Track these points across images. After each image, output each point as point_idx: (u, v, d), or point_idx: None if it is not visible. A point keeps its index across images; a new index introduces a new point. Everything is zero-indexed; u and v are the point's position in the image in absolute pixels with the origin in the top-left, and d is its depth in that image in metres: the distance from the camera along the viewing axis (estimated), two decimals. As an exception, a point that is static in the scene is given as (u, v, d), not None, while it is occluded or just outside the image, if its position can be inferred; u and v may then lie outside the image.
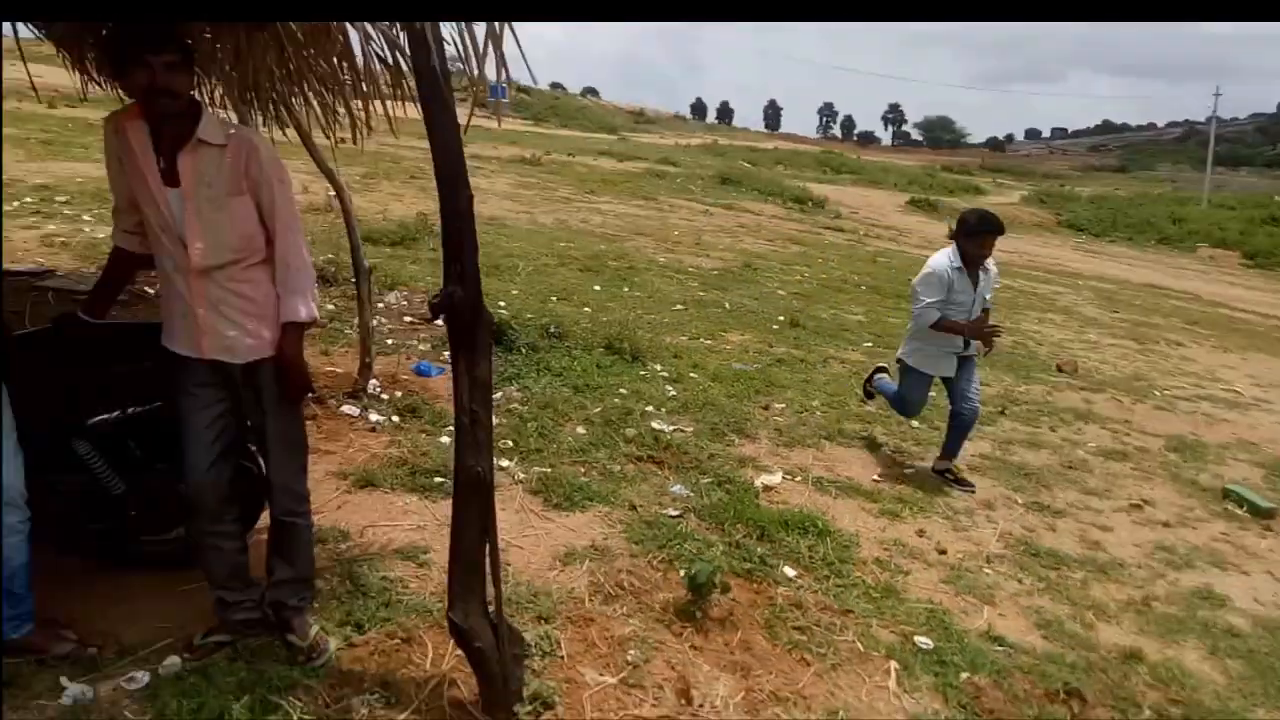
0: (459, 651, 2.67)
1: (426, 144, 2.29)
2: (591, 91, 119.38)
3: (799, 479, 4.92)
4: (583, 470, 4.61)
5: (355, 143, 4.00)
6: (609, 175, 24.16)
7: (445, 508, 3.81)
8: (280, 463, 2.75)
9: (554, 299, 8.43)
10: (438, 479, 4.21)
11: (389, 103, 3.54)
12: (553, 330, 6.69)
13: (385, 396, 5.23)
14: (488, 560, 2.57)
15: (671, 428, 5.35)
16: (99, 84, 4.95)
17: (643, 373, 6.37)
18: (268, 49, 3.43)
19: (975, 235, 4.91)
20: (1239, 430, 7.12)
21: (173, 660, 2.67)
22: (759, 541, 4.03)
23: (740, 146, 52.04)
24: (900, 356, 5.30)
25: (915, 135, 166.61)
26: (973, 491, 5.08)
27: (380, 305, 7.11)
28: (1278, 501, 5.41)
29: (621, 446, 4.97)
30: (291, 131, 4.48)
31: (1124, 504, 5.22)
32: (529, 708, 2.65)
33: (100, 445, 2.94)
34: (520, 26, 2.39)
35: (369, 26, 3.14)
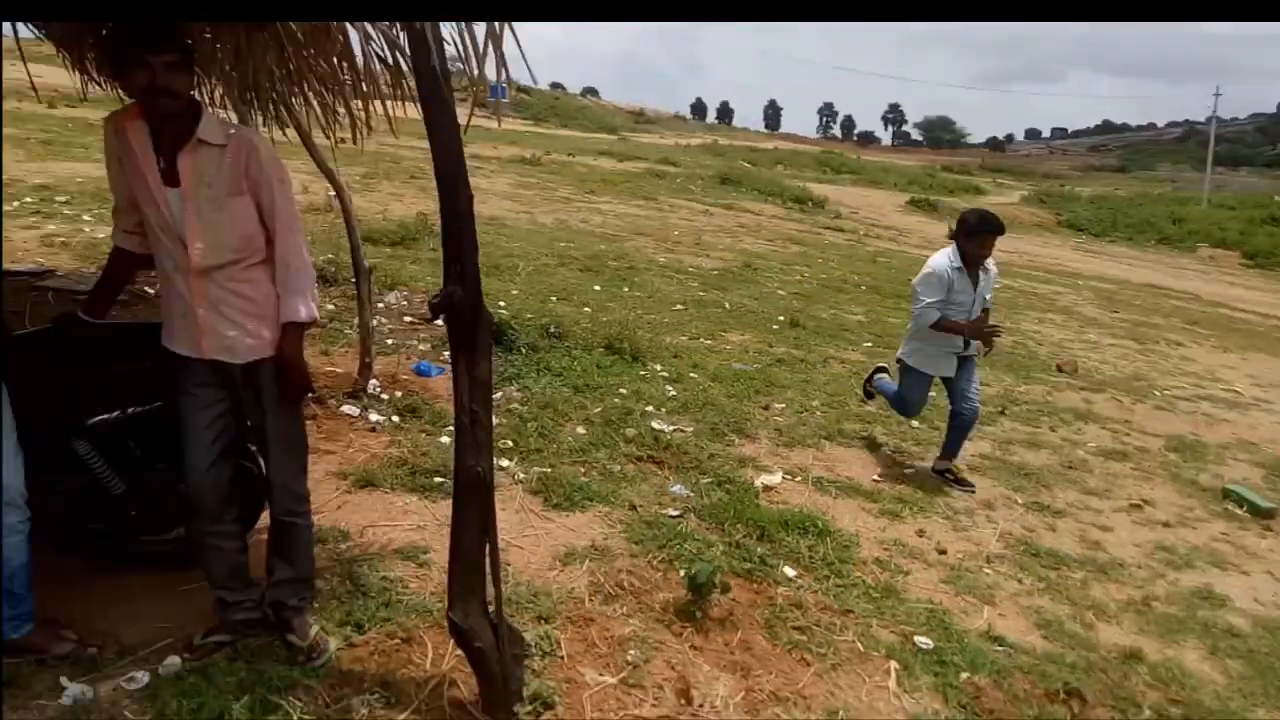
0: (459, 651, 2.67)
1: (426, 144, 2.29)
2: (591, 91, 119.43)
3: (799, 479, 4.92)
4: (583, 470, 4.61)
5: (355, 143, 4.00)
6: (609, 175, 24.16)
7: (445, 508, 3.82)
8: (280, 463, 2.75)
9: (554, 299, 8.43)
10: (438, 479, 4.21)
11: (389, 103, 3.54)
12: (553, 330, 6.69)
13: (385, 396, 5.23)
14: (488, 560, 2.57)
15: (671, 428, 5.35)
16: (99, 84, 4.95)
17: (643, 373, 6.38)
18: (268, 49, 3.43)
19: (975, 235, 4.92)
20: (1239, 430, 7.12)
21: (173, 660, 2.67)
22: (759, 541, 4.03)
23: (740, 146, 52.06)
24: (900, 356, 5.30)
25: (915, 135, 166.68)
26: (973, 491, 5.08)
27: (380, 305, 7.11)
28: (1278, 501, 5.41)
29: (621, 446, 4.97)
30: (291, 131, 4.48)
31: (1124, 504, 5.22)
32: (529, 708, 2.65)
33: (100, 445, 2.94)
34: (520, 26, 2.39)
35: (369, 26, 3.14)
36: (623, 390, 5.89)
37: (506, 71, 2.35)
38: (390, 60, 3.25)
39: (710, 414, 5.70)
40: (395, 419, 4.96)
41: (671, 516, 4.17)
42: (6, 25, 3.12)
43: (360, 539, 3.63)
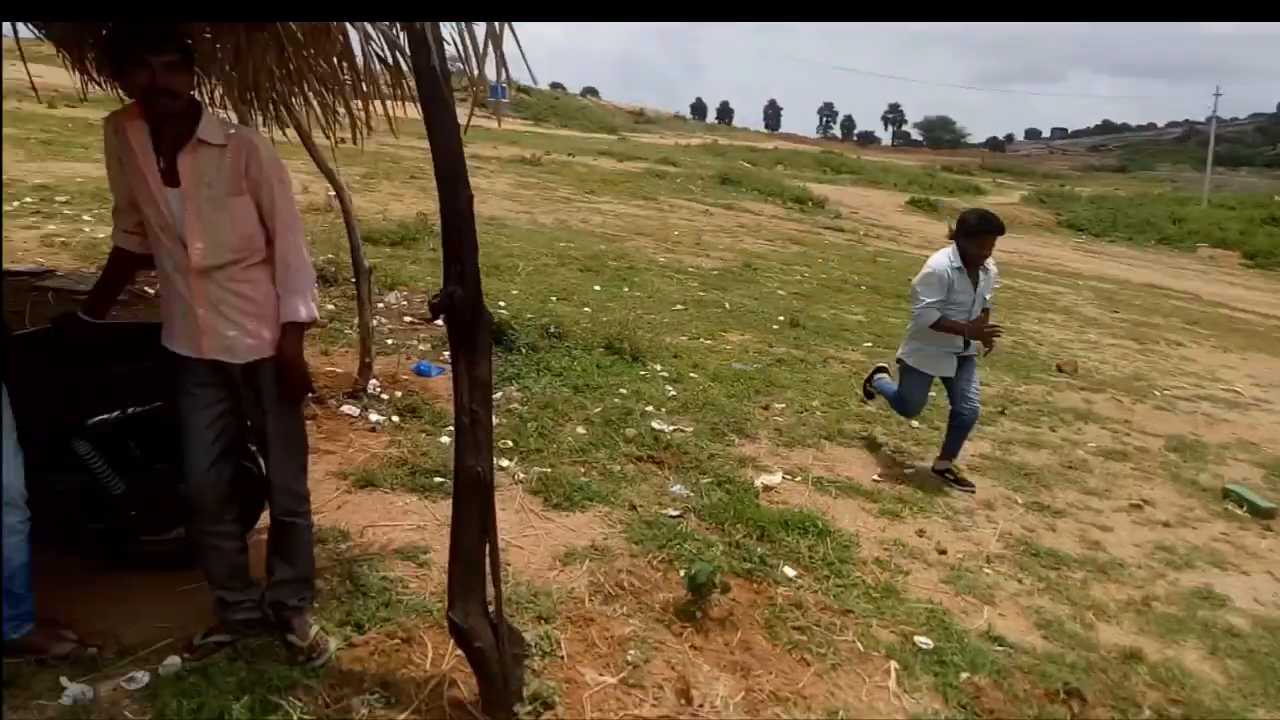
0: (459, 651, 2.67)
1: (427, 144, 2.29)
2: (591, 91, 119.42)
3: (799, 479, 4.92)
4: (583, 470, 4.61)
5: (355, 143, 4.00)
6: (609, 175, 24.16)
7: (445, 508, 3.82)
8: (280, 463, 2.75)
9: (554, 299, 8.43)
10: (437, 479, 4.21)
11: (389, 103, 3.54)
12: (553, 330, 6.69)
13: (385, 396, 5.23)
14: (488, 560, 2.57)
15: (671, 428, 5.35)
16: (99, 84, 4.95)
17: (643, 373, 6.38)
18: (268, 49, 3.43)
19: (975, 235, 4.92)
20: (1239, 430, 7.12)
21: (173, 660, 2.67)
22: (759, 541, 4.03)
23: (740, 146, 52.06)
24: (900, 356, 5.30)
25: (915, 135, 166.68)
26: (973, 491, 5.08)
27: (380, 305, 7.10)
28: (1278, 501, 5.41)
29: (621, 446, 4.97)
30: (291, 131, 4.48)
31: (1124, 504, 5.22)
32: (529, 708, 2.65)
33: (100, 445, 2.94)
34: (520, 26, 2.39)
35: (369, 26, 3.14)
36: (623, 390, 5.89)
37: (506, 71, 2.35)
38: (390, 60, 3.25)
39: (710, 414, 5.70)
40: (395, 419, 4.96)
41: (671, 516, 4.17)
42: (6, 25, 3.12)
43: (360, 539, 3.63)
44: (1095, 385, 8.07)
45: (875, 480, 5.10)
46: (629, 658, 3.01)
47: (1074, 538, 4.67)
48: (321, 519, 3.58)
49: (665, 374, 6.46)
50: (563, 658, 2.96)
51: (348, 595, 3.16)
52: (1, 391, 2.52)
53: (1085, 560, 4.39)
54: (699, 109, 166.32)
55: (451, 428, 4.69)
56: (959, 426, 5.15)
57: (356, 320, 5.48)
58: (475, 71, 2.35)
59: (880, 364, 6.03)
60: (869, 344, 8.57)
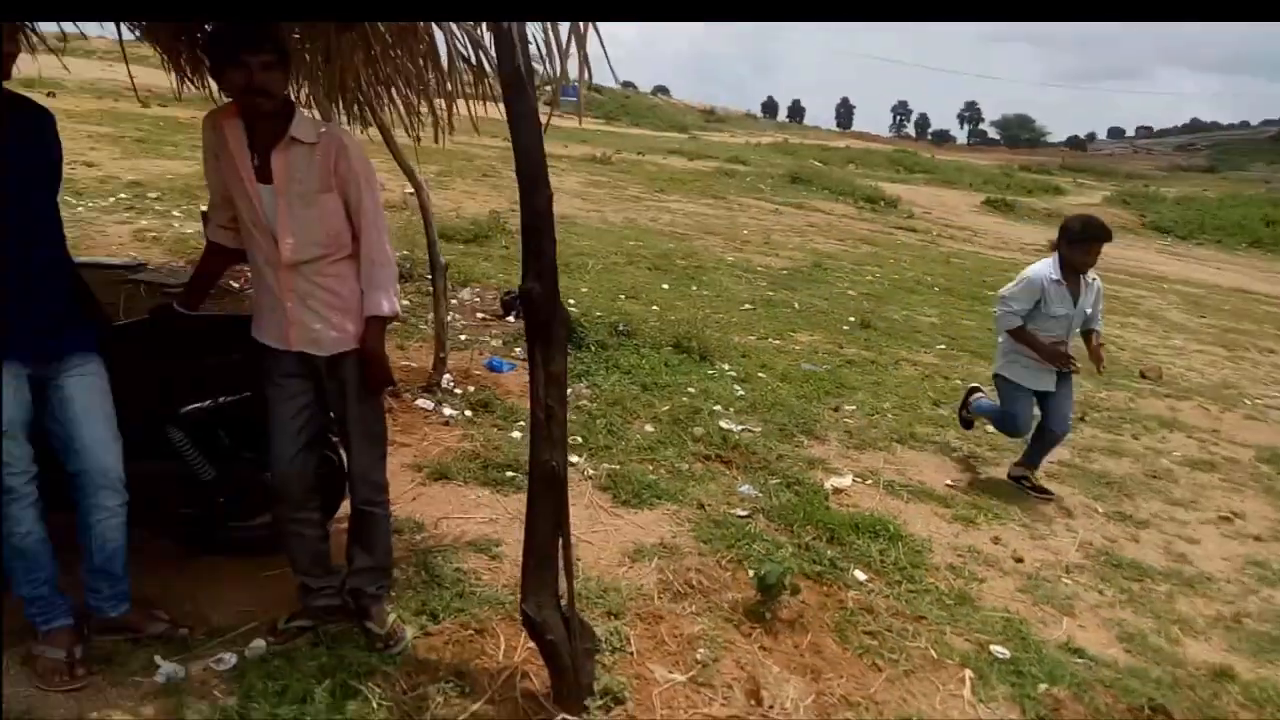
0: (531, 644, 2.71)
1: (500, 142, 2.34)
2: (662, 90, 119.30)
3: (869, 482, 4.85)
4: (651, 468, 4.62)
5: (437, 141, 4.07)
6: (679, 174, 24.15)
7: (516, 501, 3.88)
8: (360, 453, 2.81)
9: (623, 297, 8.46)
10: (509, 473, 4.26)
11: (470, 102, 3.60)
12: (622, 328, 6.73)
13: (458, 391, 5.32)
14: (560, 554, 2.59)
15: (740, 427, 5.33)
16: (193, 84, 5.13)
17: (710, 372, 6.36)
18: (355, 49, 3.52)
19: (1080, 242, 4.69)
20: (1337, 442, 6.78)
21: (258, 643, 2.76)
22: (829, 544, 3.99)
23: (811, 145, 51.42)
24: (997, 371, 5.08)
25: (992, 134, 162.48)
26: (1051, 499, 4.94)
27: (454, 301, 7.22)
28: (1380, 518, 5.14)
29: (689, 445, 4.97)
30: (373, 130, 4.58)
31: (1212, 516, 5.03)
32: (600, 702, 2.67)
33: (192, 434, 3.05)
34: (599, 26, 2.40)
35: (454, 26, 3.19)
36: (691, 389, 5.88)
37: (589, 71, 2.37)
38: (473, 60, 3.30)
39: (779, 414, 5.66)
40: (468, 413, 5.04)
41: (740, 516, 4.16)
42: (109, 27, 3.26)
43: (434, 530, 3.70)
44: (1181, 392, 7.78)
45: (948, 485, 5.00)
46: (698, 656, 3.01)
47: (1158, 549, 4.51)
48: (397, 510, 3.65)
49: (733, 373, 6.43)
50: (632, 654, 2.98)
51: (423, 585, 3.22)
52: (103, 379, 2.64)
53: (1171, 573, 4.24)
54: (770, 107, 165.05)
55: (522, 423, 4.77)
56: (1046, 441, 4.99)
57: (431, 316, 5.59)
58: (557, 71, 2.38)
59: (973, 384, 5.69)
60: (942, 346, 8.41)
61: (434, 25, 3.26)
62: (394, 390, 5.01)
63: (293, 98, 4.56)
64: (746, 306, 9.01)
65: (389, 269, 2.70)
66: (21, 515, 2.46)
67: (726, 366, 6.56)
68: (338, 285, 2.66)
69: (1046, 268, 4.78)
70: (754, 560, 3.66)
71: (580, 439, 4.81)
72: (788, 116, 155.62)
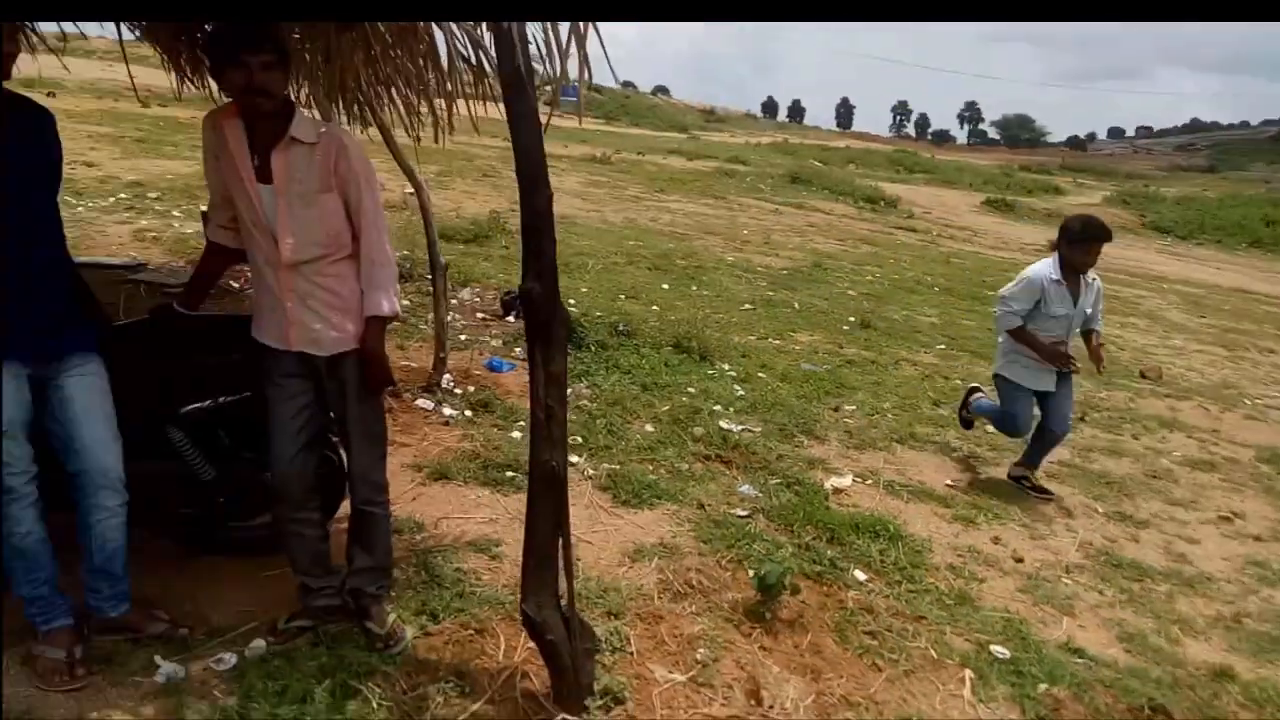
0: (531, 644, 2.70)
1: (500, 142, 2.34)
2: (662, 90, 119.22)
3: (869, 482, 4.85)
4: (651, 468, 4.62)
5: (437, 141, 4.07)
6: (678, 174, 24.15)
7: (516, 501, 3.88)
8: (360, 453, 2.81)
9: (623, 297, 8.46)
10: (509, 473, 4.26)
11: (470, 102, 3.60)
12: (621, 328, 6.73)
13: (458, 391, 5.32)
14: (560, 554, 2.59)
15: (740, 427, 5.33)
16: (193, 84, 5.13)
17: (710, 372, 6.36)
18: (355, 49, 3.51)
19: (1080, 243, 4.69)
20: (1337, 442, 6.78)
21: (258, 643, 2.76)
22: (829, 544, 3.99)
23: (811, 145, 51.38)
24: (997, 371, 5.08)
25: (992, 134, 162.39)
26: (1051, 499, 4.94)
27: (454, 301, 7.22)
28: (1380, 518, 5.14)
29: (689, 445, 4.97)
30: (373, 130, 4.58)
31: (1212, 516, 5.03)
32: (600, 702, 2.67)
33: (192, 433, 3.05)
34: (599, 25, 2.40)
35: (454, 26, 3.19)
36: (690, 389, 5.89)
37: (589, 71, 2.37)
38: (473, 60, 3.30)
39: (779, 414, 5.66)
40: (468, 413, 5.04)
41: (740, 516, 4.16)
42: (109, 27, 3.26)
43: (434, 530, 3.70)
44: (1181, 392, 7.78)
45: (948, 485, 5.00)
46: (698, 656, 3.01)
47: (1158, 549, 4.51)
48: (397, 510, 3.64)
49: (733, 373, 6.44)
50: (632, 654, 2.98)
51: (423, 585, 3.22)
52: (101, 379, 2.64)
53: (1171, 573, 4.24)
54: (770, 107, 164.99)
55: (522, 423, 4.77)
56: (1046, 441, 4.99)
57: (431, 316, 5.59)
58: (557, 71, 2.38)
59: (973, 384, 5.69)
60: (942, 346, 8.41)
61: (434, 25, 3.26)
62: (394, 390, 5.01)
63: (293, 98, 4.59)
64: (746, 306, 9.01)
65: (389, 269, 2.70)
66: (21, 515, 2.46)
67: (726, 366, 6.56)
68: (338, 285, 2.66)
69: (1046, 268, 4.78)
70: (754, 560, 3.66)
71: (580, 439, 4.81)
72: (788, 116, 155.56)
